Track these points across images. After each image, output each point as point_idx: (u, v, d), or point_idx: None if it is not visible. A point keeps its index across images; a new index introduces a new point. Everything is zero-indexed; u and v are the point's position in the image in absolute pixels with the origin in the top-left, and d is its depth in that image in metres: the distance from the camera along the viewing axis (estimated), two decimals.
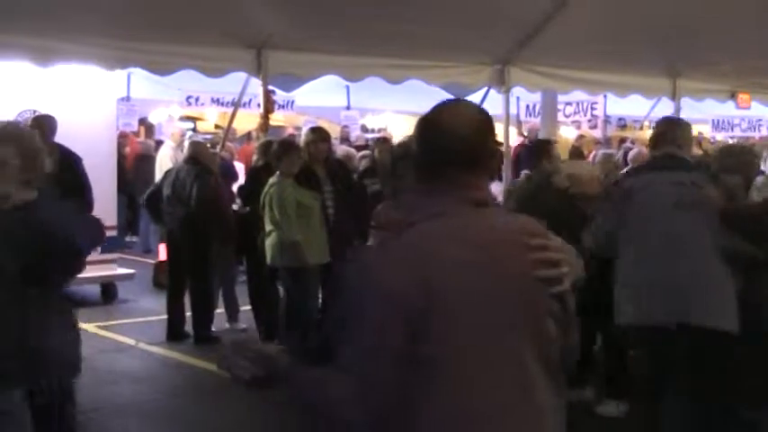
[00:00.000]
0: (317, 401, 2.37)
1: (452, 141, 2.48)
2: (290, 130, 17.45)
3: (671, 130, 6.00)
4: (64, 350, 4.13)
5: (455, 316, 2.33)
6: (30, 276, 3.85)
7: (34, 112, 9.96)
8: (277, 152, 8.74)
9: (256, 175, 9.48)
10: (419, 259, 2.35)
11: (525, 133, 18.10)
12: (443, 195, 2.46)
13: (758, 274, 5.49)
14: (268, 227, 8.50)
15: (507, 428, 2.39)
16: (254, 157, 10.57)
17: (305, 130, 10.18)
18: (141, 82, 15.70)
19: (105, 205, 10.35)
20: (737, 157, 5.98)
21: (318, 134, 9.49)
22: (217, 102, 17.25)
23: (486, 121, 2.59)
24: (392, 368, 2.29)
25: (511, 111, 13.22)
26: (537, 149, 8.57)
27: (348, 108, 18.98)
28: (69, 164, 8.84)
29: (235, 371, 2.54)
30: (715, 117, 20.88)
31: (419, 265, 2.34)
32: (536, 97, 16.46)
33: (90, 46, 9.24)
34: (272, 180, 8.58)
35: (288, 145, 9.16)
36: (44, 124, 8.88)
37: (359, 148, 12.75)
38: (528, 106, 18.70)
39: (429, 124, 2.57)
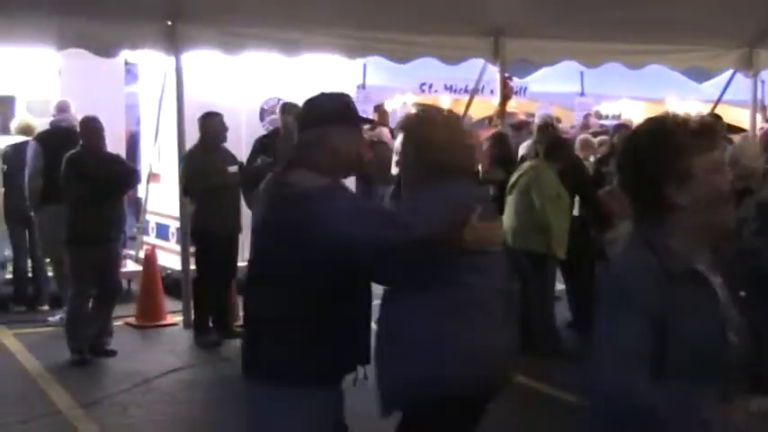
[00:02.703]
0: None
1: None
2: (522, 117, 17.35)
3: None
4: None
5: None
6: None
7: (279, 100, 10.32)
8: (549, 146, 8.55)
9: None
10: None
11: None
12: None
13: None
14: (512, 209, 8.30)
15: None
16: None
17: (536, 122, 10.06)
18: (376, 70, 15.98)
19: None
20: None
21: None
22: (449, 89, 17.33)
23: None
24: None
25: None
26: None
27: (582, 94, 18.67)
28: None
29: None
30: None
31: None
32: None
33: (333, 36, 9.59)
34: (529, 164, 8.44)
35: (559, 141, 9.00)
36: (291, 111, 9.18)
37: (594, 135, 12.52)
38: None
39: None
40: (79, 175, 8.00)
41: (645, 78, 14.30)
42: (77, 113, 9.01)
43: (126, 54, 10.22)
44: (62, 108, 9.77)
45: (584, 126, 15.46)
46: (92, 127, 8.17)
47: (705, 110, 14.63)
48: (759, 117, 13.95)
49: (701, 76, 16.27)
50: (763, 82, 16.40)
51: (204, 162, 8.63)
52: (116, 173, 8.19)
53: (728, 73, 12.60)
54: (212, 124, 8.76)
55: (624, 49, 10.83)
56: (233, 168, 8.81)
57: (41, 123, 10.01)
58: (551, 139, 8.79)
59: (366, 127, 16.98)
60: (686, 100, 18.15)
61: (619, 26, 10.01)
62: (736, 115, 14.56)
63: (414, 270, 3.46)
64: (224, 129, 8.82)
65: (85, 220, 7.95)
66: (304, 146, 3.57)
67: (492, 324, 3.57)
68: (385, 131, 16.70)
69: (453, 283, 3.49)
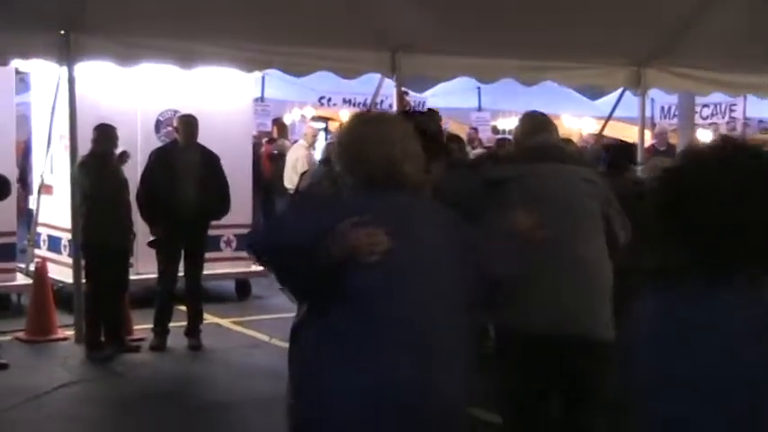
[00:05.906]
0: None
1: None
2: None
3: None
4: None
5: None
6: None
7: (175, 112, 10.23)
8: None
9: None
10: None
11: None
12: None
13: None
14: None
15: None
16: None
17: None
18: (275, 83, 15.96)
19: (241, 204, 10.56)
20: None
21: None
22: (348, 102, 17.46)
23: None
24: None
25: (645, 113, 13.01)
26: None
27: (479, 110, 18.97)
28: (210, 163, 9.05)
29: None
30: None
31: None
32: (671, 99, 16.12)
33: (231, 49, 9.54)
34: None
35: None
36: (189, 123, 9.09)
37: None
38: (663, 108, 18.31)
39: None
40: None
41: (541, 94, 14.57)
42: None
43: (17, 63, 10.01)
44: None
45: (472, 140, 15.72)
46: None
47: (598, 126, 15.02)
48: (648, 134, 14.34)
49: (594, 93, 16.67)
50: (652, 100, 16.90)
51: (98, 169, 8.55)
52: None
53: (620, 90, 12.93)
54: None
55: (519, 65, 11.00)
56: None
57: None
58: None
59: (265, 140, 16.71)
60: (581, 116, 18.60)
61: (514, 42, 10.17)
62: (627, 132, 14.97)
63: (293, 283, 3.17)
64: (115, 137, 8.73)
65: None
66: None
67: (371, 359, 2.92)
68: (287, 144, 16.68)
69: (330, 306, 3.00)
